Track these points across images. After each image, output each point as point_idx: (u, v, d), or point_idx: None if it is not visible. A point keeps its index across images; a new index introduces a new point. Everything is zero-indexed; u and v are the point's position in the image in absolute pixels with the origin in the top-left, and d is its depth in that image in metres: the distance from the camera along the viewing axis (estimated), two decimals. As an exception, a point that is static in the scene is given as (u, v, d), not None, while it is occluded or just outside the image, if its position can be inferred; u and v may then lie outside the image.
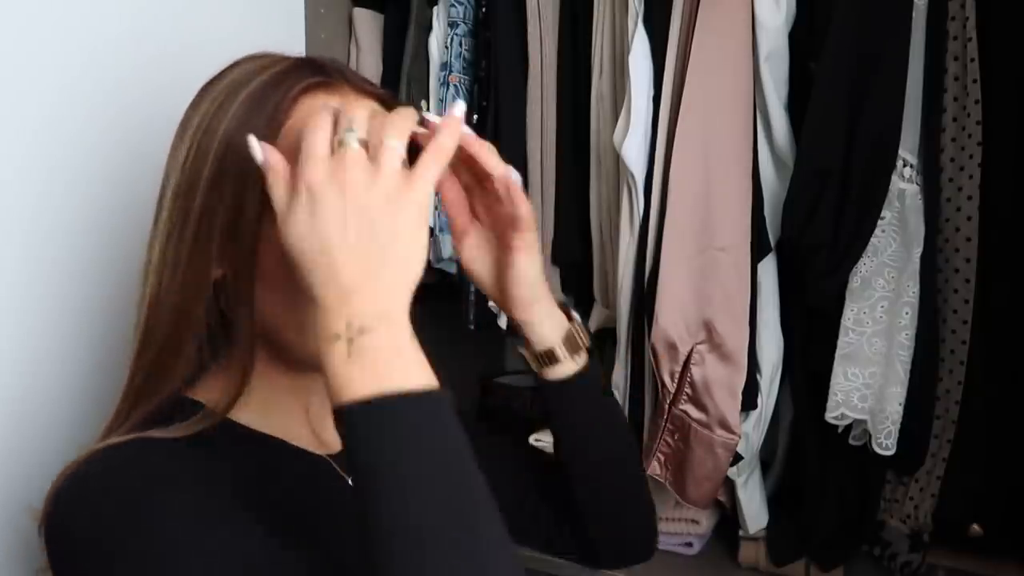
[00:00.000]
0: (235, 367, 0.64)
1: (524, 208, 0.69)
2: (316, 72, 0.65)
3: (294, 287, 0.56)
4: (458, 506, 0.49)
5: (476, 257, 0.74)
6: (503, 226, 0.71)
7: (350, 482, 0.67)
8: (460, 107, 0.59)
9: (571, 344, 0.76)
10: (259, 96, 0.63)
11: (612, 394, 0.80)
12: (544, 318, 0.75)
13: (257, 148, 0.57)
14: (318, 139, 0.54)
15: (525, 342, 0.76)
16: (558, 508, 0.82)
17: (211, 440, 0.62)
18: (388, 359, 0.50)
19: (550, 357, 0.75)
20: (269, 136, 0.60)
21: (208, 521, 0.56)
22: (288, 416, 0.69)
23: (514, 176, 0.69)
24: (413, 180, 0.54)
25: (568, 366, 0.75)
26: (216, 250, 0.62)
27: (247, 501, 0.59)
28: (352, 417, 0.50)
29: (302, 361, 0.65)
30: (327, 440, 0.71)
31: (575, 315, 0.78)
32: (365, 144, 0.54)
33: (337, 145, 0.54)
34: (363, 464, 0.49)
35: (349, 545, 0.65)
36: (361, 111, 0.56)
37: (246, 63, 0.66)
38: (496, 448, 0.80)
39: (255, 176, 0.58)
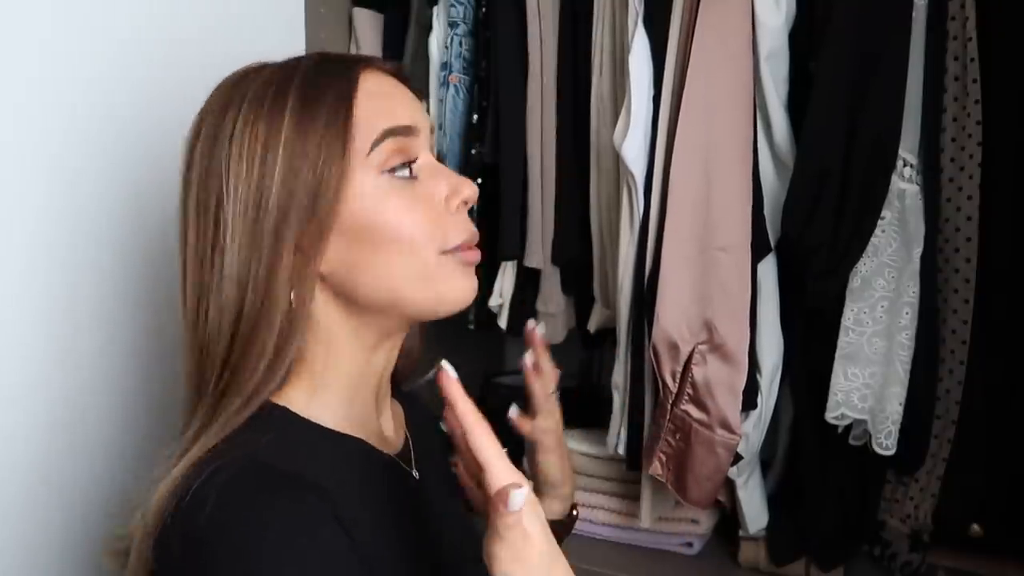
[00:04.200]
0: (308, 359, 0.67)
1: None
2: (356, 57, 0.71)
3: (373, 235, 0.64)
4: None
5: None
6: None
7: (414, 474, 0.73)
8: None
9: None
10: (318, 75, 0.66)
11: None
12: (553, 498, 0.85)
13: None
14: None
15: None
16: None
17: (301, 449, 0.64)
18: None
19: None
20: (346, 98, 0.64)
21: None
22: (363, 409, 0.72)
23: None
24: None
25: None
26: (292, 239, 0.63)
27: (345, 516, 0.61)
28: None
29: (372, 304, 0.67)
30: (387, 434, 0.75)
31: (576, 514, 0.89)
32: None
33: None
34: None
35: (421, 540, 0.70)
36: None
37: (265, 70, 0.67)
38: None
39: (333, 146, 0.63)
